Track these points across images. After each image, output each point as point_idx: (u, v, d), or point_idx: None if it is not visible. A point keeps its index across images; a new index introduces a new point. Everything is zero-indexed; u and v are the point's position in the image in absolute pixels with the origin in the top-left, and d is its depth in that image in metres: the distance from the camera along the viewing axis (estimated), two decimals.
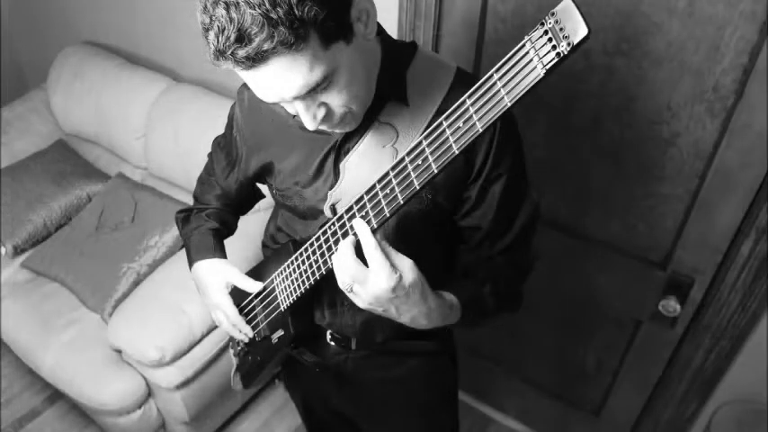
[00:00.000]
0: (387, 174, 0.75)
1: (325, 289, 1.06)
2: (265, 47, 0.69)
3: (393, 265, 0.79)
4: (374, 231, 0.78)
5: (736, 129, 1.23)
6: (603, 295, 1.64)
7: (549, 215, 1.61)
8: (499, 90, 0.61)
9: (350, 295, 0.84)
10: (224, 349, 1.90)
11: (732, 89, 1.20)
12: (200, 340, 1.85)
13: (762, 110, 1.18)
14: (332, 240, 0.86)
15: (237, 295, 1.14)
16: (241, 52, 0.69)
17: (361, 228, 0.79)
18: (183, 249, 1.30)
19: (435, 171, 0.70)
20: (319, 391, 1.28)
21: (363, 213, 0.79)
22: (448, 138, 0.67)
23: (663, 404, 1.68)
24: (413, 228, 0.96)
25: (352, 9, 0.76)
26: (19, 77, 3.03)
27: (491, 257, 1.02)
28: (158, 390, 1.87)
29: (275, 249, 1.13)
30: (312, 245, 0.92)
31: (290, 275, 1.00)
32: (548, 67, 0.57)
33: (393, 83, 0.90)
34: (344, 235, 0.83)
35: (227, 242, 1.23)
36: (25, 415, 2.19)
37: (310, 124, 0.82)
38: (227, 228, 1.24)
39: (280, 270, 1.04)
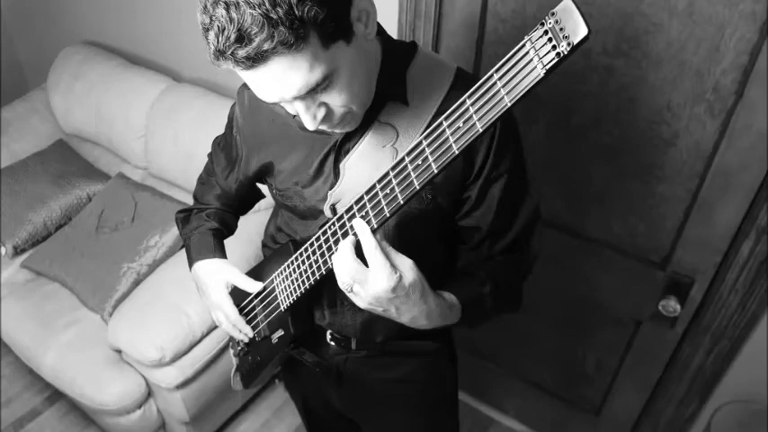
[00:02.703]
0: (387, 174, 0.75)
1: (326, 289, 1.06)
2: (265, 47, 0.69)
3: (393, 265, 0.79)
4: (374, 231, 0.78)
5: (736, 129, 1.23)
6: (603, 295, 1.64)
7: (549, 215, 1.61)
8: (499, 90, 0.61)
9: (350, 295, 0.84)
10: (224, 349, 1.90)
11: (732, 89, 1.20)
12: (200, 340, 1.85)
13: (762, 110, 1.18)
14: (332, 240, 0.86)
15: (237, 295, 1.14)
16: (241, 52, 0.69)
17: (361, 228, 0.79)
18: (183, 249, 1.30)
19: (435, 171, 0.70)
20: (319, 391, 1.28)
21: (363, 213, 0.79)
22: (448, 138, 0.67)
23: (663, 404, 1.68)
24: (413, 228, 0.96)
25: (352, 9, 0.76)
26: (19, 77, 3.03)
27: (491, 257, 1.02)
28: (158, 390, 1.87)
29: (275, 249, 1.13)
30: (312, 245, 0.92)
31: (290, 275, 1.00)
32: (548, 67, 0.57)
33: (393, 83, 0.90)
34: (344, 235, 0.83)
35: (227, 242, 1.23)
36: (25, 415, 2.19)
37: (310, 124, 0.82)
38: (227, 228, 1.24)
39: (280, 270, 1.03)
